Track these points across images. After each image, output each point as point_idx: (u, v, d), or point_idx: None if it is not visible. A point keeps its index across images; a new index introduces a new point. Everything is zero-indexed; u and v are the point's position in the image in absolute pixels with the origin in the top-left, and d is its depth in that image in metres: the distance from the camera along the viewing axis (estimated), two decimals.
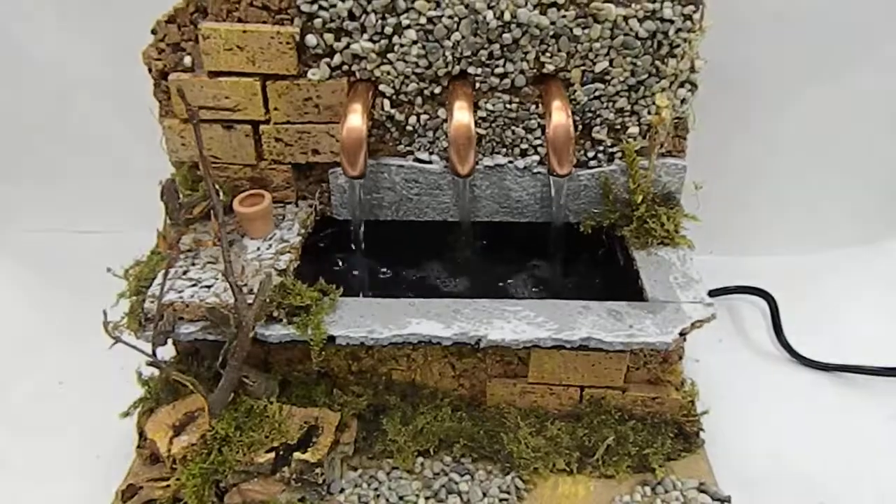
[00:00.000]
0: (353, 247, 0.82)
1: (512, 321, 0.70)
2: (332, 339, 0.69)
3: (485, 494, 0.71)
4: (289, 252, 0.75)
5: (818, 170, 1.02)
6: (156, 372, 0.75)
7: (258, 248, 0.76)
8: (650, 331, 0.69)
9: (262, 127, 0.77)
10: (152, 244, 0.78)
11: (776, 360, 0.91)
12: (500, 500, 0.71)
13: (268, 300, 0.68)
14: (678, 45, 0.73)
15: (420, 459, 0.75)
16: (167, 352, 0.72)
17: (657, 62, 0.74)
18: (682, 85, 0.76)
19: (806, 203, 1.04)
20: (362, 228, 0.81)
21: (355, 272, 0.81)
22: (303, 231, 0.79)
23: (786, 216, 1.05)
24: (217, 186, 0.72)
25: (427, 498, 0.71)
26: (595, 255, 0.83)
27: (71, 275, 1.03)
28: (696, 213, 0.82)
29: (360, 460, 0.75)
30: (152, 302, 0.69)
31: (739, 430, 0.80)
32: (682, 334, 0.69)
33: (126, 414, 0.75)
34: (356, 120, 0.71)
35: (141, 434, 0.73)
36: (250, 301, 0.67)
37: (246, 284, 0.70)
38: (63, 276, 1.03)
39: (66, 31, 0.96)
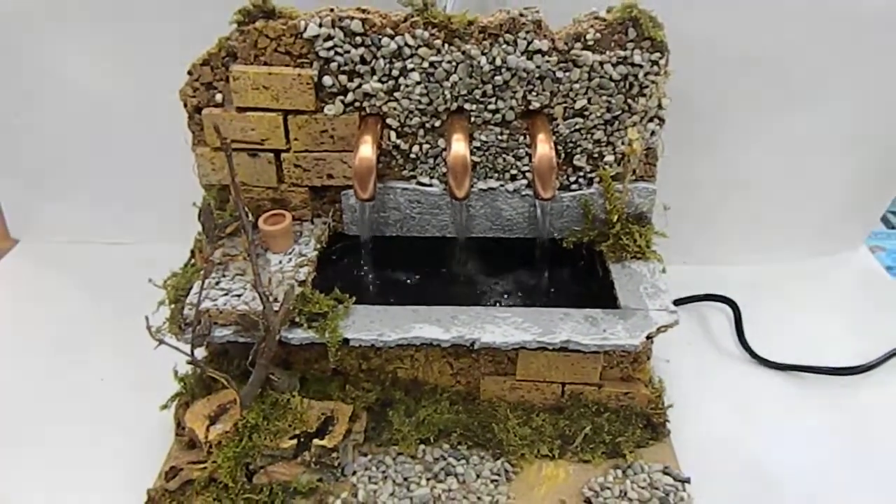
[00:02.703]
0: (363, 260, 0.87)
1: (502, 326, 0.76)
2: (346, 341, 0.75)
3: (478, 476, 0.78)
4: (307, 265, 0.81)
5: (778, 189, 1.07)
6: (190, 370, 0.82)
7: (280, 262, 0.82)
8: (621, 334, 0.75)
9: (283, 155, 0.83)
10: (175, 254, 0.85)
11: (738, 360, 0.98)
12: (492, 481, 0.78)
13: (291, 308, 0.75)
14: (647, 86, 0.80)
15: (422, 446, 0.80)
16: (199, 353, 0.78)
17: (629, 100, 0.81)
18: (651, 120, 0.83)
19: (768, 219, 1.10)
20: (370, 244, 0.86)
21: (365, 282, 0.86)
22: (318, 246, 0.84)
23: (750, 231, 1.11)
24: (245, 207, 0.80)
25: (428, 479, 0.77)
26: (576, 267, 0.88)
27: (104, 282, 1.09)
28: (669, 229, 0.89)
29: (370, 447, 0.80)
30: (191, 309, 0.76)
31: (702, 422, 0.86)
32: (649, 337, 0.76)
33: (165, 406, 0.82)
34: (367, 150, 0.77)
35: (178, 423, 0.81)
36: (276, 308, 0.74)
37: (272, 293, 0.77)
38: (96, 283, 1.09)
39: (107, 64, 1.00)
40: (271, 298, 0.76)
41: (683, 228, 0.92)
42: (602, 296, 0.83)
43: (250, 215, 0.78)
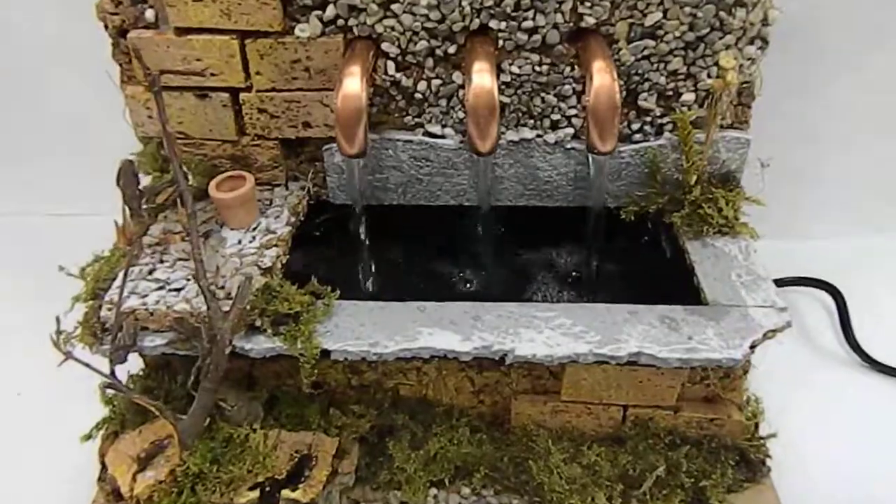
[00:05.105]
0: (353, 238, 0.75)
1: (544, 331, 0.62)
2: (326, 353, 0.61)
3: None
4: (276, 245, 0.68)
5: (893, 141, 0.92)
6: None
7: (239, 241, 0.68)
8: (713, 344, 0.60)
9: (242, 95, 0.71)
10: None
11: (845, 364, 0.84)
12: None
13: (248, 307, 0.59)
14: None
15: (433, 491, 0.70)
16: (135, 363, 0.64)
17: (722, 13, 0.66)
18: (751, 41, 0.68)
19: (879, 180, 0.96)
20: (363, 215, 0.74)
21: (355, 269, 0.75)
22: (293, 219, 0.73)
23: (855, 195, 0.98)
24: (186, 168, 0.61)
25: None
26: (639, 246, 0.77)
27: (38, 265, 0.90)
28: (760, 196, 0.73)
29: (363, 492, 0.69)
30: (110, 309, 0.60)
31: (810, 453, 0.72)
32: (753, 346, 0.60)
33: (88, 437, 0.67)
34: (354, 86, 0.64)
35: (103, 464, 0.64)
36: (226, 309, 0.57)
37: (223, 287, 0.61)
38: (29, 266, 0.94)
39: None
40: (221, 293, 0.60)
41: (769, 189, 0.76)
42: (678, 286, 0.70)
43: (190, 177, 0.60)
